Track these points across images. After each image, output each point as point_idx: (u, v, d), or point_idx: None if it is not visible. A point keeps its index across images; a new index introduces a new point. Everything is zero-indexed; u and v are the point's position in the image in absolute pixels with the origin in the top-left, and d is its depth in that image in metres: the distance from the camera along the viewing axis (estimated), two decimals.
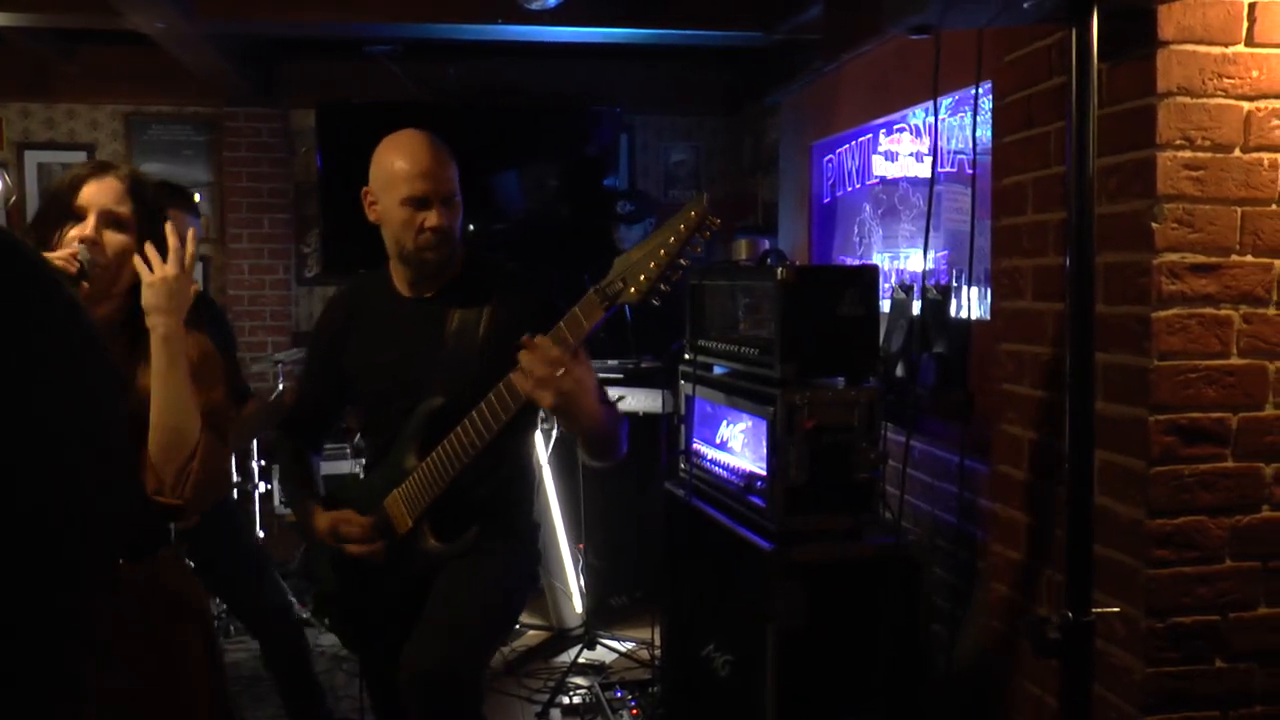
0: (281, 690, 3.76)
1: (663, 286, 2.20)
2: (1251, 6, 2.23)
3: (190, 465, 2.00)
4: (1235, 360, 2.27)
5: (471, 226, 5.76)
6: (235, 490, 4.06)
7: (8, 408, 0.69)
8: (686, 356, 3.49)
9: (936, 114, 2.76)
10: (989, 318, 3.15)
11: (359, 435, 5.09)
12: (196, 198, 6.52)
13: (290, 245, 6.66)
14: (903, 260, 4.26)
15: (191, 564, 3.55)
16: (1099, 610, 1.97)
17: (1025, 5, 2.02)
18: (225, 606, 4.85)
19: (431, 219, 2.51)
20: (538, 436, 4.23)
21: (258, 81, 6.24)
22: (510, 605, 2.73)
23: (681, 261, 2.19)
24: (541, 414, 4.21)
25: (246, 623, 4.04)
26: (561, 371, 2.20)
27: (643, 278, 2.19)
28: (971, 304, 3.53)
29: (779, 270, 2.88)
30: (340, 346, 2.73)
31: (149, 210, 2.09)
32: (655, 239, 2.21)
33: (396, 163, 2.52)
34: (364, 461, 2.86)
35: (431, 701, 2.38)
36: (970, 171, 3.24)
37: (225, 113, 6.53)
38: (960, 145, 3.74)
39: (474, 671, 2.54)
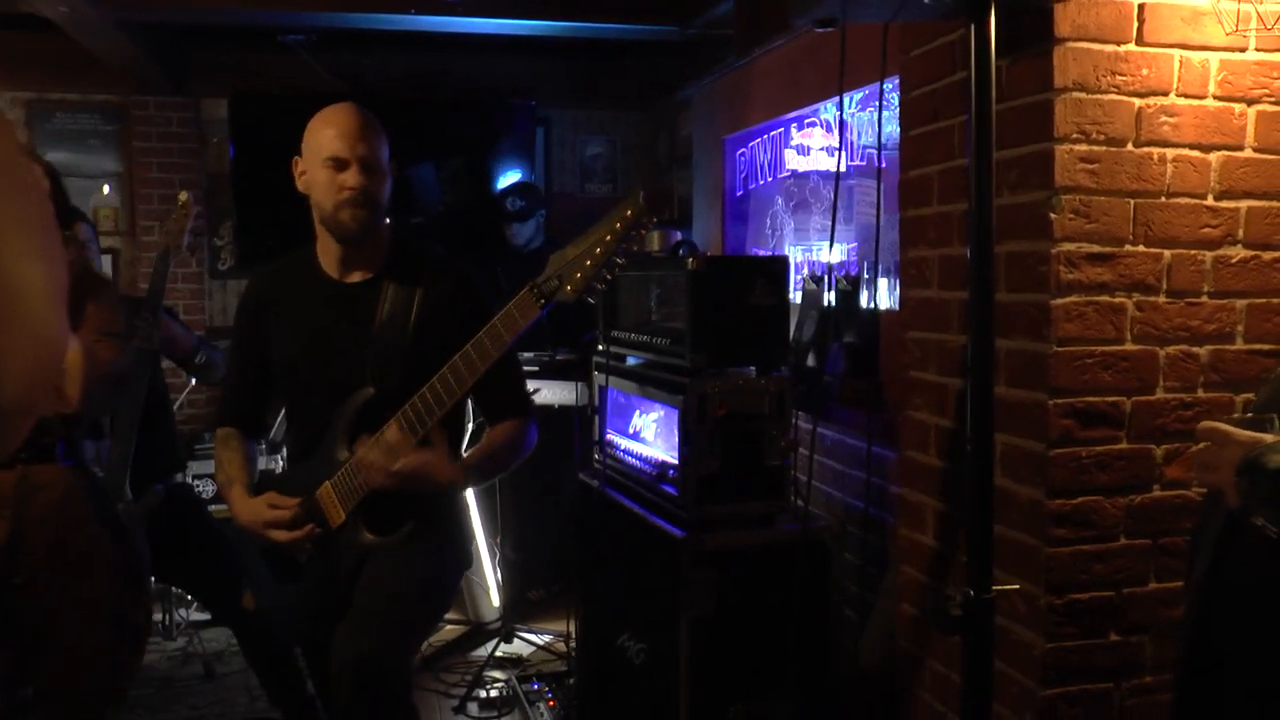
0: (263, 679, 3.72)
1: (599, 285, 2.23)
2: (1141, 7, 2.31)
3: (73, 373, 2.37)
4: (1129, 346, 2.35)
5: (388, 220, 5.72)
6: (183, 474, 4.01)
7: None
8: (600, 348, 3.51)
9: (843, 107, 2.81)
10: (898, 308, 3.22)
11: (275, 428, 5.04)
12: (105, 189, 6.44)
13: (203, 238, 6.55)
14: (814, 252, 4.33)
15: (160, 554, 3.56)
16: (999, 588, 2.03)
17: (926, 1, 2.07)
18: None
19: (350, 178, 2.51)
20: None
21: (168, 69, 6.11)
22: (441, 593, 2.72)
23: (618, 259, 2.21)
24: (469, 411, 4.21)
25: (222, 612, 3.97)
26: (397, 462, 2.39)
27: (579, 275, 2.21)
28: (881, 295, 3.60)
29: (689, 260, 2.92)
30: (264, 329, 2.68)
31: None
32: (592, 236, 2.22)
33: (324, 129, 2.54)
34: (286, 452, 2.83)
35: (361, 689, 2.37)
36: (880, 165, 3.30)
37: (134, 101, 6.39)
38: (870, 140, 3.80)
39: (403, 659, 2.53)
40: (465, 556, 2.79)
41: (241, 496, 2.61)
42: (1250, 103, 2.38)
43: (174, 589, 4.85)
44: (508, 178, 6.18)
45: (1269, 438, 1.61)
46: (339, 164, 2.51)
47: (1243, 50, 2.36)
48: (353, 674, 2.37)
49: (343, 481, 2.50)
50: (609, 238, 2.20)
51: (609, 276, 2.23)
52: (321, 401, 2.58)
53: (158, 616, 4.93)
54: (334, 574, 2.56)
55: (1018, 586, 2.36)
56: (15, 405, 0.75)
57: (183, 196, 3.63)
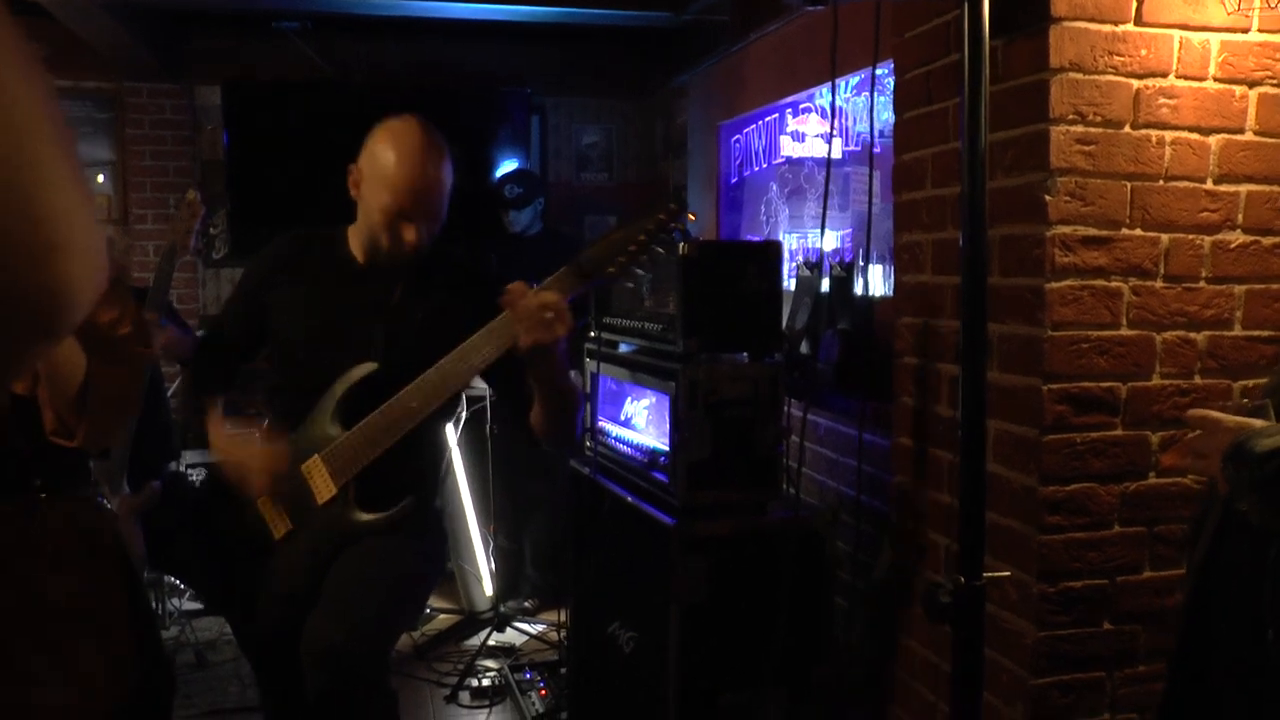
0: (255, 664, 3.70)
1: (638, 271, 2.31)
2: None
3: (85, 397, 1.95)
4: (1125, 331, 2.32)
5: None
6: (177, 462, 4.00)
7: None
8: (591, 334, 3.48)
9: (834, 89, 2.78)
10: (892, 295, 3.19)
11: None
12: (99, 178, 6.40)
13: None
14: (809, 239, 4.30)
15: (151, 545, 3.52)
16: (990, 575, 1.99)
17: None
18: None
19: (410, 234, 2.45)
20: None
21: (161, 56, 6.06)
22: (419, 586, 2.68)
23: (659, 249, 2.30)
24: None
25: (214, 601, 3.97)
26: (550, 314, 2.24)
27: (621, 258, 2.28)
28: (875, 282, 3.56)
29: (681, 245, 2.88)
30: (269, 286, 2.62)
31: None
32: (634, 225, 2.30)
33: (391, 163, 2.43)
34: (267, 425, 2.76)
35: (334, 679, 2.32)
36: (874, 150, 3.27)
37: (126, 88, 6.35)
38: (866, 126, 3.77)
39: (378, 649, 2.49)
40: (444, 552, 2.77)
41: (221, 422, 2.54)
42: (1252, 85, 2.34)
43: (166, 578, 4.82)
44: (504, 166, 6.14)
45: (1257, 423, 1.59)
46: (402, 216, 2.44)
47: (1245, 31, 2.33)
48: (325, 664, 2.31)
49: (337, 454, 2.45)
50: (651, 226, 2.29)
51: (644, 262, 2.31)
52: (316, 377, 2.52)
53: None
54: (312, 554, 2.50)
55: (1009, 574, 2.33)
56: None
57: (190, 194, 3.57)
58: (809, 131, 4.27)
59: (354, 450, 2.43)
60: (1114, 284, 2.30)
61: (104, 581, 2.08)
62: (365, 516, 2.47)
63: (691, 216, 2.41)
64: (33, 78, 0.62)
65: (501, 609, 4.80)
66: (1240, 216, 2.36)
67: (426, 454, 2.64)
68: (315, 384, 2.53)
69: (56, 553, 2.00)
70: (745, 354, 2.97)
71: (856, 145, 3.86)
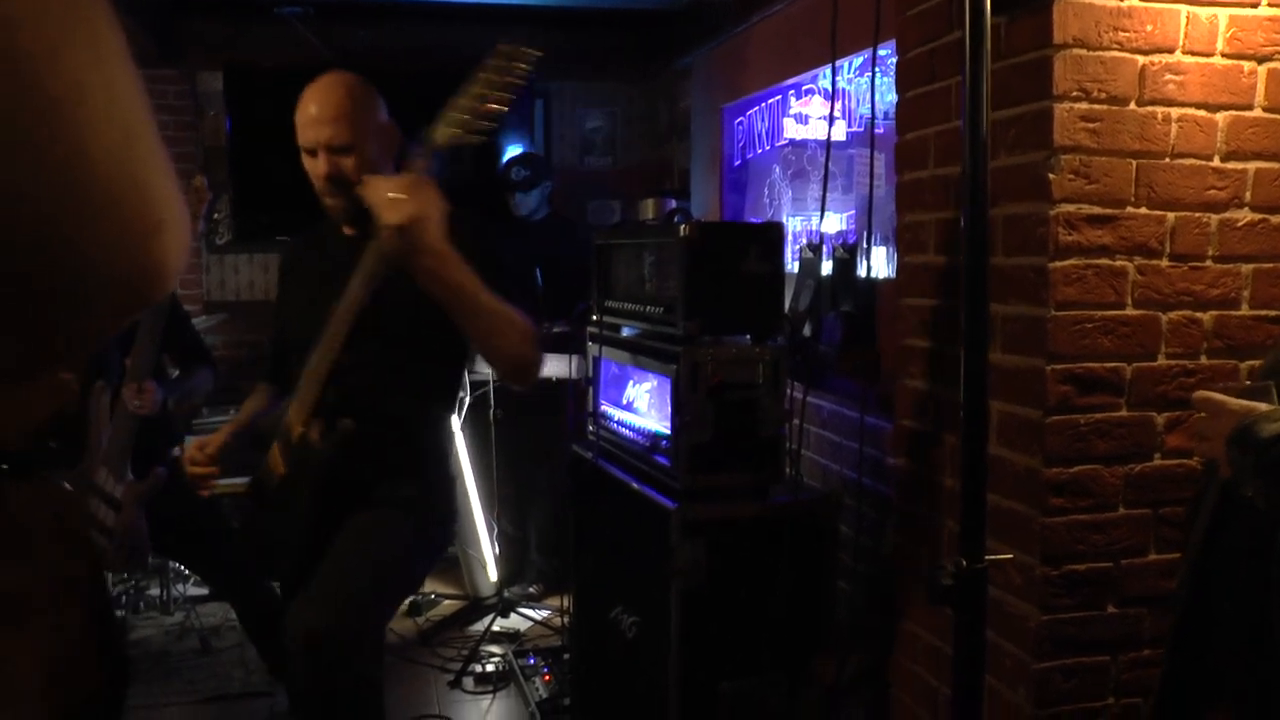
0: (260, 649, 3.72)
1: (491, 122, 2.25)
2: None
3: None
4: (1130, 311, 2.29)
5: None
6: (181, 448, 3.99)
7: None
8: (593, 318, 3.46)
9: (834, 71, 2.75)
10: (895, 276, 3.16)
11: None
12: None
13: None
14: (812, 222, 4.27)
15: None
16: (992, 557, 1.97)
17: None
18: (132, 583, 4.77)
19: (319, 167, 2.52)
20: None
21: (162, 42, 6.04)
22: (410, 565, 2.65)
23: (506, 92, 2.23)
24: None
25: (217, 583, 4.01)
26: (395, 192, 2.20)
27: (465, 115, 2.24)
28: (879, 264, 3.54)
29: (682, 227, 2.85)
30: (284, 289, 2.82)
31: None
32: (469, 81, 2.24)
33: (298, 113, 2.55)
34: None
35: (316, 663, 2.29)
36: (877, 130, 3.23)
37: None
38: (869, 108, 3.73)
39: (363, 633, 2.46)
40: (446, 534, 2.77)
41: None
42: (1260, 60, 2.31)
43: (171, 564, 4.82)
44: (508, 152, 6.11)
45: (1263, 407, 1.56)
46: (308, 152, 2.54)
47: (1254, 6, 2.29)
48: (307, 647, 2.29)
49: (298, 393, 2.47)
50: (485, 74, 2.25)
51: (490, 118, 2.25)
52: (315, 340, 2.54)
53: (155, 590, 4.91)
54: (304, 497, 2.51)
55: (1011, 556, 2.30)
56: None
57: (197, 180, 3.57)
58: (812, 114, 4.24)
59: (305, 387, 2.46)
60: (1119, 263, 2.27)
61: (66, 563, 2.11)
62: (319, 442, 2.46)
63: (536, 52, 2.25)
64: (130, 66, 0.64)
65: (506, 595, 4.80)
66: (1248, 194, 2.33)
67: (412, 409, 2.61)
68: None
69: (21, 532, 2.02)
70: (747, 336, 2.95)
71: (860, 127, 3.83)
